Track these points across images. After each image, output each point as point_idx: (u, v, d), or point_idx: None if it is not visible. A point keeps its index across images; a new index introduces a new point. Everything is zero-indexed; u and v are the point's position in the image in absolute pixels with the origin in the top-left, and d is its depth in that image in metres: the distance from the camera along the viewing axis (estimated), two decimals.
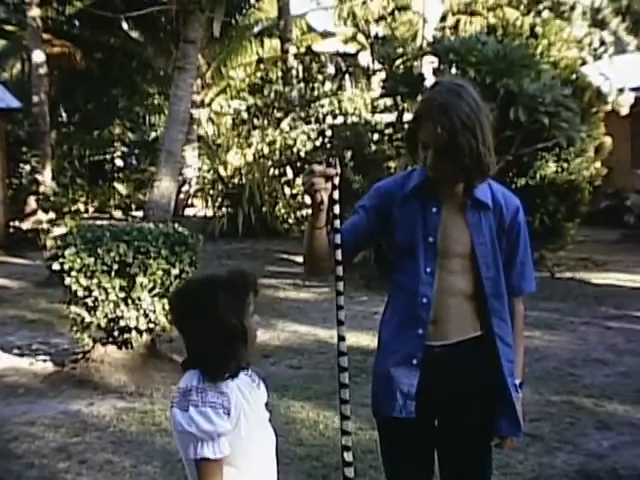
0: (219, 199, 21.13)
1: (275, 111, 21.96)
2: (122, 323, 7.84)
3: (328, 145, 19.29)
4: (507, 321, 3.36)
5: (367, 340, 8.85)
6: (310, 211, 3.21)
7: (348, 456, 3.08)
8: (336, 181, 3.07)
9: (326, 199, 3.07)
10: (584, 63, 18.11)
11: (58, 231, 15.12)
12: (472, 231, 3.30)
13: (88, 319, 7.87)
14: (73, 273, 7.62)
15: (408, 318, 3.33)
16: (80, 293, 7.69)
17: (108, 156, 31.28)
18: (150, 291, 7.77)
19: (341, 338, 3.19)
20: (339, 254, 3.12)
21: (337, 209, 3.10)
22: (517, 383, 3.39)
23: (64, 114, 30.65)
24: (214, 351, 2.81)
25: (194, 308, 2.87)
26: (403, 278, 3.37)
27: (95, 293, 7.67)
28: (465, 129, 3.08)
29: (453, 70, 13.00)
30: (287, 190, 21.14)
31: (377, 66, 16.51)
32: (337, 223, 3.11)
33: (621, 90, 17.52)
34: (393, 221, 3.34)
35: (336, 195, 3.09)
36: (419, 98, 14.02)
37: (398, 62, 14.26)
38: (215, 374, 2.81)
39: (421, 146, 3.22)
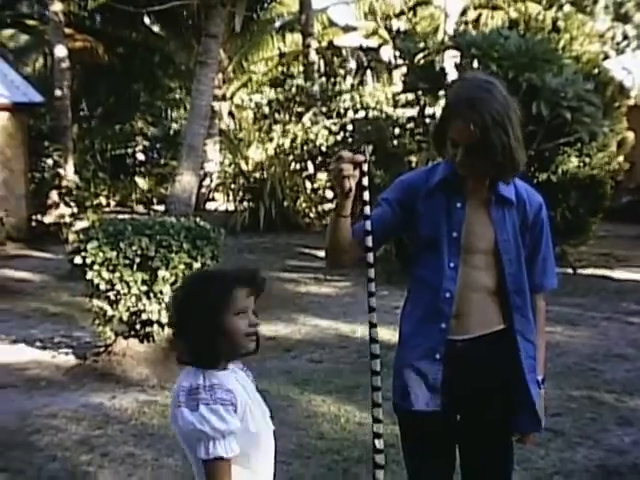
0: (240, 193, 21.13)
1: (296, 106, 21.96)
2: (144, 316, 7.88)
3: (349, 140, 19.29)
4: (529, 317, 3.36)
5: (388, 334, 8.78)
6: (337, 199, 3.17)
7: (379, 443, 3.04)
8: (365, 168, 3.03)
9: (354, 186, 3.03)
10: (606, 57, 18.09)
11: (80, 225, 15.19)
12: (496, 227, 3.29)
13: (110, 312, 7.91)
14: (95, 267, 7.66)
15: (430, 312, 3.33)
16: (102, 287, 7.73)
17: (130, 150, 31.29)
18: (172, 285, 7.80)
19: (373, 325, 3.13)
20: (369, 241, 3.07)
21: (366, 195, 3.05)
22: (539, 379, 3.39)
23: (86, 108, 30.71)
24: (199, 346, 2.78)
25: (180, 301, 2.89)
26: (425, 272, 3.36)
27: (117, 287, 7.71)
28: (496, 125, 3.07)
29: (475, 64, 12.98)
30: (308, 184, 21.15)
31: (399, 61, 16.47)
32: (367, 210, 3.06)
33: None
34: (417, 215, 3.33)
35: (365, 182, 3.04)
36: (441, 93, 14.06)
37: (419, 57, 14.22)
38: (206, 366, 2.78)
39: (450, 143, 3.20)
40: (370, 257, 3.09)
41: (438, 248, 3.30)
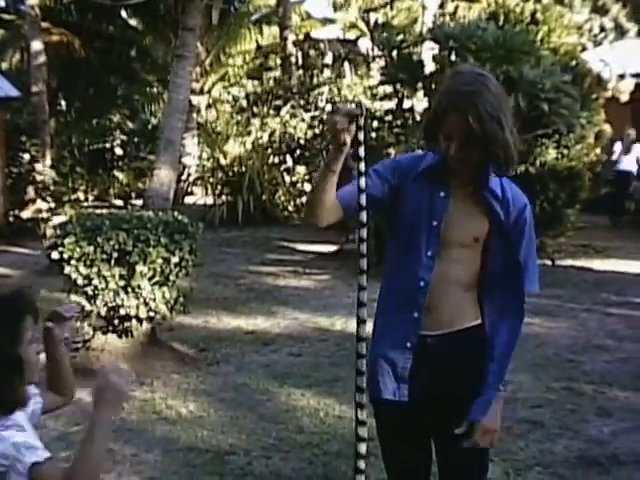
0: (219, 187, 21.08)
1: (274, 99, 21.92)
2: (122, 312, 7.84)
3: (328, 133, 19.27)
4: (505, 314, 3.32)
5: (368, 327, 8.84)
6: (330, 152, 3.09)
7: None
8: (361, 122, 2.96)
9: (349, 141, 2.96)
10: (584, 49, 18.09)
11: (58, 220, 15.10)
12: (478, 221, 3.26)
13: (88, 308, 7.87)
14: (73, 262, 7.61)
15: (404, 301, 3.31)
16: (80, 282, 7.69)
17: (108, 144, 31.17)
18: (150, 279, 7.78)
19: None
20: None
21: (362, 151, 2.98)
22: (501, 384, 3.31)
23: (63, 103, 30.56)
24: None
25: None
26: (402, 259, 3.34)
27: (95, 282, 7.67)
28: (491, 118, 3.05)
29: (453, 57, 12.98)
30: (287, 178, 21.11)
31: (377, 53, 16.43)
32: (362, 166, 2.98)
33: (621, 76, 17.51)
34: (401, 198, 3.29)
35: (361, 136, 2.97)
36: (419, 85, 14.06)
37: (397, 49, 14.20)
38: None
39: (443, 137, 3.16)
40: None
41: (416, 235, 3.27)
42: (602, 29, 26.84)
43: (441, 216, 3.25)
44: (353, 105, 2.98)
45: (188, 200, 23.59)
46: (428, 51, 14.01)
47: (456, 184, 3.28)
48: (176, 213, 8.62)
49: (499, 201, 3.26)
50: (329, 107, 19.84)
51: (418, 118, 13.89)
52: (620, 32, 31.68)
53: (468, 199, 3.28)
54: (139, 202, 20.35)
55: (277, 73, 22.98)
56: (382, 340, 3.39)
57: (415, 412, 3.35)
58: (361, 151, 2.99)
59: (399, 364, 3.32)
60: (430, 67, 13.70)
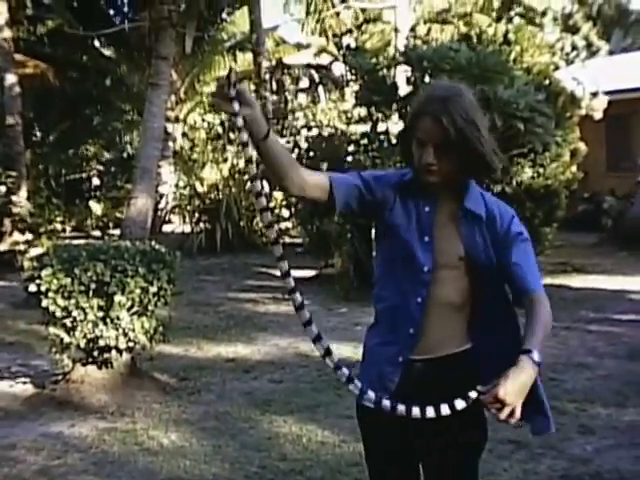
0: (196, 215, 21.09)
1: None
2: (101, 343, 7.78)
3: (304, 158, 19.30)
4: (497, 335, 3.23)
5: (348, 352, 8.80)
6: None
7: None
8: (232, 92, 2.84)
9: (237, 107, 2.84)
10: (557, 68, 18.20)
11: (35, 252, 15.03)
12: (465, 242, 3.17)
13: (67, 340, 7.81)
14: (50, 294, 7.56)
15: (399, 318, 3.21)
16: (58, 314, 7.64)
17: (84, 175, 31.14)
18: (129, 310, 7.73)
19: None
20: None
21: (240, 121, 2.85)
22: (534, 357, 3.02)
23: (39, 134, 30.54)
24: None
25: None
26: (397, 275, 3.23)
27: (73, 313, 7.61)
28: (466, 122, 3.00)
29: (427, 78, 13.04)
30: None
31: (350, 77, 16.50)
32: (244, 137, 2.86)
33: (594, 94, 17.63)
34: (390, 214, 3.21)
35: (235, 107, 2.85)
36: (394, 107, 14.12)
37: (371, 72, 14.26)
38: None
39: (416, 144, 3.11)
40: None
41: (411, 251, 3.18)
42: (574, 48, 26.99)
43: (431, 232, 3.18)
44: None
45: (166, 229, 23.58)
46: (402, 73, 14.09)
47: (439, 201, 3.21)
48: (153, 242, 8.59)
49: (483, 221, 3.18)
50: (304, 132, 19.88)
51: (394, 141, 13.92)
52: (591, 50, 31.94)
53: (452, 220, 3.20)
54: (117, 232, 20.31)
55: None
56: (373, 355, 3.33)
57: (397, 426, 3.26)
58: (239, 121, 2.85)
59: (386, 376, 3.24)
60: (404, 89, 13.77)
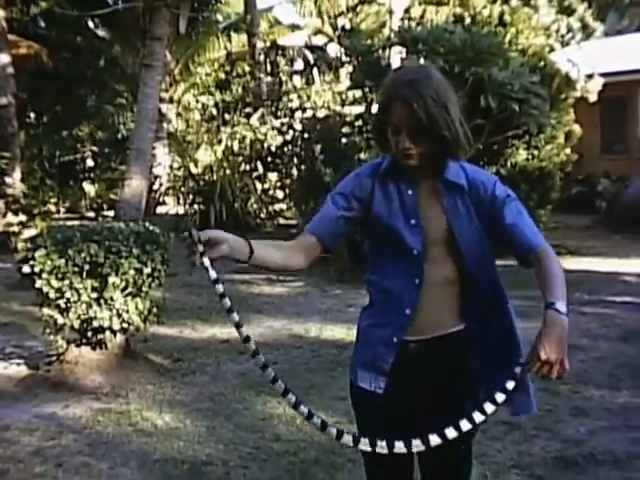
0: (190, 196, 21.06)
1: (244, 106, 21.91)
2: (95, 324, 7.78)
3: (298, 139, 19.29)
4: (492, 311, 3.27)
5: (342, 333, 8.84)
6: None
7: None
8: (200, 248, 3.02)
9: (207, 261, 3.04)
10: (552, 50, 18.14)
11: (28, 233, 15.02)
12: (449, 216, 3.17)
13: (61, 321, 7.80)
14: (44, 275, 7.55)
15: (394, 300, 3.20)
16: (52, 295, 7.63)
17: (78, 156, 31.07)
18: (122, 291, 7.72)
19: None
20: (220, 289, 3.10)
21: (206, 261, 3.05)
22: (560, 308, 2.99)
23: (32, 115, 30.46)
24: None
25: None
26: (389, 262, 3.23)
27: (67, 294, 7.60)
28: (437, 104, 2.99)
29: (422, 60, 13.01)
30: (258, 185, 21.11)
31: (345, 58, 16.47)
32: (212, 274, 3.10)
33: (589, 76, 17.60)
34: (374, 206, 3.22)
35: (206, 261, 3.05)
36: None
37: (365, 53, 14.24)
38: None
39: (391, 130, 3.10)
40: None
41: (401, 236, 3.18)
42: (569, 30, 26.99)
43: (417, 214, 3.17)
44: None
45: (160, 210, 23.54)
46: (396, 55, 14.06)
47: (419, 181, 3.20)
48: (147, 224, 8.58)
49: (465, 191, 3.18)
50: (299, 114, 19.85)
51: None
52: (587, 32, 31.91)
53: (434, 195, 3.20)
54: (111, 213, 20.29)
55: (246, 80, 22.93)
56: (367, 337, 3.31)
57: (391, 406, 3.26)
58: (206, 261, 3.02)
59: (381, 357, 3.23)
60: None
